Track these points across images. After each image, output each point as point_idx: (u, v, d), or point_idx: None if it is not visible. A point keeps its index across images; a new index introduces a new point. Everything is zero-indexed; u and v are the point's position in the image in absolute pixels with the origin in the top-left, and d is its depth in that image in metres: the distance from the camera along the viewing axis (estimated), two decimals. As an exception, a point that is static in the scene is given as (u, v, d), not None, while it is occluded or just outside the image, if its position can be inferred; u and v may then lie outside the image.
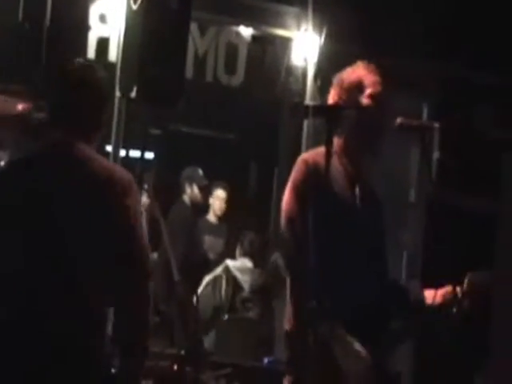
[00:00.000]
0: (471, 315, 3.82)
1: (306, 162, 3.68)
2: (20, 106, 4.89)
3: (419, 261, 6.93)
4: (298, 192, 3.66)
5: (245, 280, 6.93)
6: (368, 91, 3.74)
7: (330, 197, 3.57)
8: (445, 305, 3.80)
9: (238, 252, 7.13)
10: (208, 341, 6.55)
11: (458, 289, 3.77)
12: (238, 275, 6.93)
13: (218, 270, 6.95)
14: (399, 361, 3.93)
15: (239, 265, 6.98)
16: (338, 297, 3.49)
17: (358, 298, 3.63)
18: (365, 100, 3.74)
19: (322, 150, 3.58)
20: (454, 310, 3.77)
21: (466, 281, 3.77)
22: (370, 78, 3.76)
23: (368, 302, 3.67)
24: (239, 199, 6.96)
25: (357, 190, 3.78)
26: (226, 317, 6.96)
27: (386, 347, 3.73)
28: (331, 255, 3.55)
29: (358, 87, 3.74)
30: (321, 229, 3.48)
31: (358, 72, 3.78)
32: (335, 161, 3.67)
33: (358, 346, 3.58)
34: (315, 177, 3.59)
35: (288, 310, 3.70)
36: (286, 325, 3.70)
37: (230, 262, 6.92)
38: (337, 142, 3.71)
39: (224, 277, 6.88)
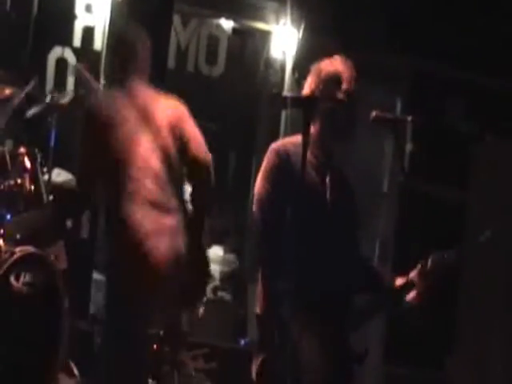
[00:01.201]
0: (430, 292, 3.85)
1: (276, 151, 3.71)
2: (7, 91, 4.83)
3: (391, 247, 6.97)
4: (269, 179, 3.68)
5: (215, 269, 6.95)
6: (344, 86, 3.74)
7: (299, 184, 3.48)
8: (408, 284, 3.81)
9: (210, 239, 7.13)
10: (184, 322, 6.52)
11: (420, 266, 3.77)
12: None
13: None
14: (370, 338, 3.92)
15: (210, 254, 7.00)
16: (305, 278, 3.43)
17: (325, 279, 3.63)
18: (341, 95, 3.74)
19: (292, 138, 3.69)
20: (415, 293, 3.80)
21: (429, 260, 3.77)
22: (347, 74, 3.76)
23: (335, 283, 3.67)
24: (217, 187, 6.97)
25: (327, 178, 3.78)
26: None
27: (350, 324, 3.73)
28: (300, 239, 3.48)
29: (335, 81, 3.74)
30: (290, 214, 3.50)
31: (336, 66, 3.78)
32: (310, 149, 3.61)
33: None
34: (285, 164, 3.63)
35: (258, 293, 3.71)
36: (257, 307, 3.71)
37: None
38: (312, 130, 3.67)
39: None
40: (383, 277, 3.91)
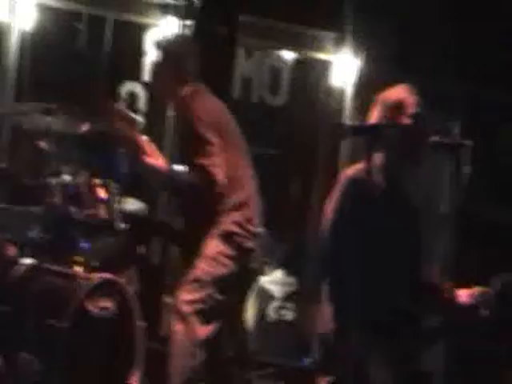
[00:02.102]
0: (504, 316, 3.80)
1: (349, 177, 3.74)
2: (82, 126, 4.89)
3: (450, 269, 6.88)
4: (339, 203, 3.70)
5: (277, 290, 6.96)
6: (409, 111, 3.76)
7: (371, 209, 3.60)
8: (475, 305, 3.80)
9: (271, 265, 7.14)
10: (250, 342, 6.53)
11: (491, 290, 3.72)
12: (270, 287, 6.98)
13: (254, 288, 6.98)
14: (432, 361, 3.88)
15: (271, 278, 7.04)
16: (371, 299, 3.46)
17: (391, 300, 3.64)
18: (406, 120, 3.75)
19: (363, 165, 3.64)
20: (485, 310, 3.75)
21: (497, 282, 3.72)
22: (409, 99, 3.79)
23: (401, 306, 3.67)
24: (281, 212, 6.97)
25: (394, 202, 3.79)
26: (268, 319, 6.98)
27: (416, 347, 3.71)
28: (368, 262, 3.48)
29: (399, 107, 3.77)
30: (360, 239, 3.48)
31: (399, 93, 3.81)
32: (376, 175, 3.70)
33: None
34: (357, 191, 3.64)
35: (322, 314, 3.70)
36: (320, 328, 3.71)
37: (262, 279, 6.98)
38: (378, 157, 3.72)
39: (253, 296, 6.91)
40: (446, 295, 3.86)
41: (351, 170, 3.79)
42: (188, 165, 4.58)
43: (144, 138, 4.61)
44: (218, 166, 4.52)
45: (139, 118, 4.65)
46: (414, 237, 3.85)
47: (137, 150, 4.55)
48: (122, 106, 4.64)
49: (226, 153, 4.60)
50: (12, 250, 4.90)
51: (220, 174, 4.52)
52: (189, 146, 4.60)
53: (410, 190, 3.92)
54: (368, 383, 3.47)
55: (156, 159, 4.61)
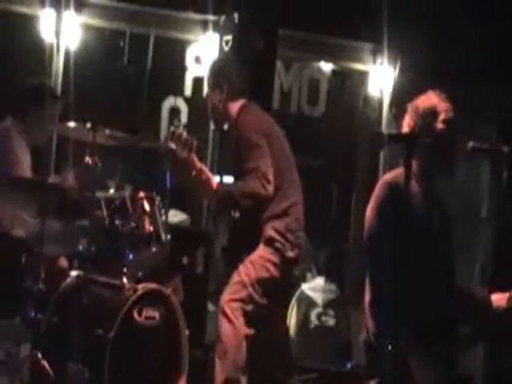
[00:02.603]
0: None
1: (388, 183, 3.68)
2: (126, 140, 4.91)
3: (490, 271, 6.81)
4: (381, 210, 3.63)
5: (317, 297, 6.92)
6: (441, 117, 3.71)
7: (409, 214, 3.54)
8: (509, 310, 3.69)
9: (313, 271, 7.13)
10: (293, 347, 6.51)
11: None
12: (312, 294, 6.94)
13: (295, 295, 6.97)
14: (471, 365, 3.82)
15: (313, 285, 7.02)
16: (415, 306, 3.46)
17: (432, 308, 3.58)
18: (439, 125, 3.71)
19: (401, 171, 3.59)
20: None
21: None
22: (442, 105, 3.73)
23: (441, 311, 3.61)
24: (321, 219, 6.96)
25: (433, 207, 3.75)
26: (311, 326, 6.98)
27: (457, 352, 3.66)
28: (409, 268, 3.49)
29: (432, 113, 3.71)
30: (400, 243, 3.46)
31: (431, 99, 3.75)
32: (413, 181, 3.65)
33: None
34: (396, 196, 3.58)
35: (366, 320, 3.66)
36: (364, 333, 3.68)
37: (304, 286, 6.97)
38: (414, 164, 3.66)
39: (295, 302, 6.85)
40: (484, 299, 3.79)
41: (389, 176, 3.75)
42: (240, 174, 4.62)
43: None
44: (268, 168, 4.55)
45: (195, 142, 4.62)
46: (447, 242, 3.79)
47: (189, 171, 4.57)
48: (181, 129, 4.61)
49: (272, 162, 4.62)
50: (64, 263, 4.95)
51: (271, 175, 4.55)
52: (239, 155, 4.64)
53: (444, 195, 3.87)
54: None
55: (208, 176, 4.63)
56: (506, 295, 3.70)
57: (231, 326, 4.55)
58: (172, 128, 4.60)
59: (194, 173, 4.59)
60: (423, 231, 3.66)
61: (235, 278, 4.64)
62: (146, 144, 5.26)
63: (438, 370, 3.52)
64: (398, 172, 3.66)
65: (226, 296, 4.61)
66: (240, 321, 4.57)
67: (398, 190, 3.58)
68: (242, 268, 4.63)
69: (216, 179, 4.76)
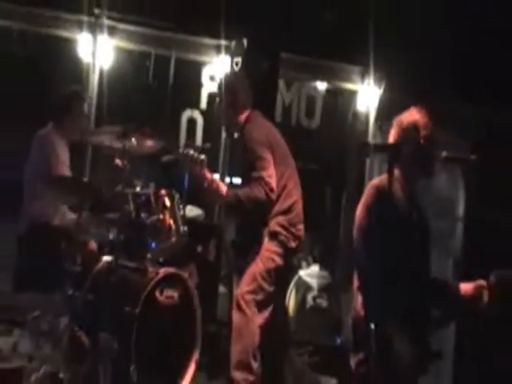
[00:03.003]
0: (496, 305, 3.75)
1: (376, 187, 3.69)
2: (154, 146, 4.95)
3: (462, 264, 6.81)
4: (369, 210, 3.65)
5: (313, 282, 6.95)
6: (422, 132, 3.72)
7: (393, 214, 3.56)
8: (475, 296, 3.72)
9: (309, 259, 7.15)
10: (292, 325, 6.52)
11: (486, 283, 3.70)
12: (308, 279, 6.96)
13: (294, 280, 6.97)
14: (443, 341, 3.84)
15: (309, 271, 7.03)
16: (396, 292, 3.48)
17: (412, 293, 3.60)
18: (420, 138, 3.72)
19: (385, 176, 3.58)
20: (484, 300, 3.71)
21: (492, 277, 3.68)
22: (423, 121, 3.74)
23: (419, 297, 3.64)
24: (317, 216, 6.99)
25: (413, 208, 3.77)
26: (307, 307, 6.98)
27: (429, 331, 3.68)
28: (392, 260, 3.52)
29: (414, 128, 3.73)
30: (385, 239, 3.50)
31: (414, 116, 3.76)
32: (397, 185, 3.68)
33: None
34: (382, 198, 3.61)
35: (354, 302, 3.69)
36: (352, 313, 3.71)
37: (301, 272, 6.96)
38: (397, 170, 3.70)
39: (294, 286, 6.88)
40: (454, 288, 3.83)
41: (377, 180, 3.75)
42: (246, 178, 4.64)
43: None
44: (271, 177, 4.57)
45: (204, 157, 4.67)
46: (424, 238, 3.81)
47: (202, 183, 4.64)
48: (191, 149, 4.69)
49: (276, 166, 4.64)
50: (94, 245, 4.97)
51: (274, 183, 4.57)
52: (247, 162, 4.65)
53: (423, 198, 3.88)
54: (393, 358, 3.46)
55: (218, 185, 4.68)
56: (473, 284, 3.72)
57: (245, 317, 4.52)
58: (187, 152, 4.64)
59: (206, 184, 4.64)
60: (405, 229, 3.66)
61: (247, 271, 4.63)
62: (168, 156, 5.31)
63: (414, 346, 3.54)
64: (384, 177, 3.60)
65: (240, 289, 4.60)
66: (253, 311, 4.55)
67: (384, 193, 3.56)
68: (252, 263, 4.63)
69: (225, 185, 4.76)
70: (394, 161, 3.32)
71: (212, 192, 4.66)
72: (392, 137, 3.76)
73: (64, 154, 5.17)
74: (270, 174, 4.58)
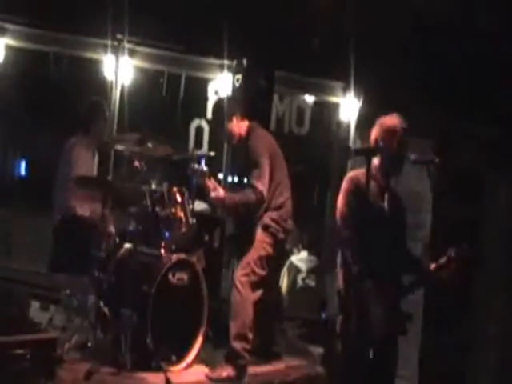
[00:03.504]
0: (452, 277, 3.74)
1: (351, 178, 3.69)
2: (166, 150, 4.91)
3: (431, 251, 6.78)
4: (347, 199, 3.63)
5: (302, 265, 6.92)
6: (398, 137, 3.69)
7: (367, 202, 3.53)
8: (438, 270, 3.70)
9: (299, 247, 7.14)
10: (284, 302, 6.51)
11: (445, 258, 3.67)
12: (298, 263, 6.93)
13: (286, 264, 6.95)
14: (413, 306, 3.81)
15: (299, 257, 7.02)
16: (372, 264, 3.48)
17: (386, 264, 3.60)
18: (395, 142, 3.69)
19: (361, 170, 3.63)
20: (443, 274, 3.70)
21: (450, 253, 3.66)
22: (400, 128, 3.71)
23: (393, 266, 3.63)
24: (305, 210, 6.98)
25: (385, 198, 3.75)
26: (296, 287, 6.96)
27: (401, 296, 3.65)
28: (368, 240, 3.52)
29: (392, 131, 3.69)
30: (361, 223, 3.50)
31: (394, 121, 3.73)
32: (372, 179, 3.63)
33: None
34: (358, 189, 3.60)
35: (339, 276, 3.68)
36: (338, 285, 3.69)
37: (292, 257, 6.95)
38: (373, 166, 3.69)
39: (286, 270, 6.85)
40: (423, 263, 3.82)
41: (352, 173, 3.74)
42: (247, 180, 4.65)
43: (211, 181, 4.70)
44: (264, 185, 4.57)
45: (207, 169, 4.71)
46: (398, 223, 3.80)
47: (208, 191, 4.67)
48: (197, 165, 4.76)
49: (275, 172, 4.64)
50: (112, 229, 4.90)
51: (265, 191, 4.57)
52: (249, 168, 4.64)
53: (398, 191, 3.85)
54: (369, 318, 3.44)
55: (218, 191, 4.67)
56: (437, 262, 3.68)
57: (241, 296, 4.52)
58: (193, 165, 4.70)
59: (207, 191, 4.69)
60: (377, 214, 3.64)
61: (244, 258, 4.63)
62: (178, 156, 5.29)
63: (387, 308, 3.51)
64: (358, 170, 3.67)
65: (237, 273, 4.60)
66: (247, 290, 4.53)
67: (358, 182, 3.59)
68: (248, 252, 4.63)
69: (224, 189, 4.77)
70: (370, 161, 3.34)
71: (212, 197, 4.69)
72: (373, 135, 3.73)
73: (89, 158, 5.14)
74: (264, 183, 4.58)
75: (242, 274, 4.58)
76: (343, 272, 3.64)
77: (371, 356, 3.34)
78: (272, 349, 5.02)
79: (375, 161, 3.70)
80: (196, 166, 4.71)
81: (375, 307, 3.47)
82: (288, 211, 4.78)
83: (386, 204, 3.74)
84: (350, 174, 3.74)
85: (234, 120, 4.75)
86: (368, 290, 3.44)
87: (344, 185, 3.69)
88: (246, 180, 4.76)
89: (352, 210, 3.57)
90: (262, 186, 4.57)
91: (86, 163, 5.10)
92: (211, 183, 4.69)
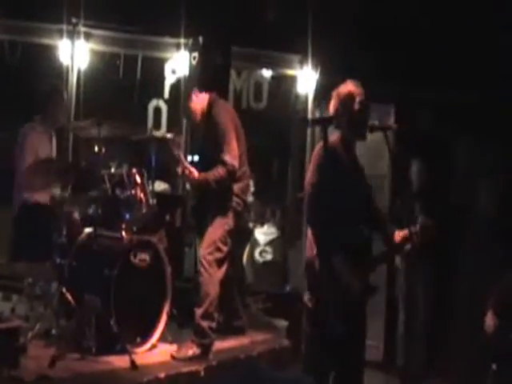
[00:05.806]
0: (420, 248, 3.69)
1: (324, 150, 3.52)
2: (125, 133, 4.78)
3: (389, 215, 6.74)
4: (319, 167, 3.54)
5: (260, 238, 6.86)
6: (357, 100, 3.62)
7: (339, 169, 3.50)
8: (404, 242, 3.66)
9: (261, 220, 7.08)
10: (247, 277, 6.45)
11: (413, 229, 3.62)
12: (257, 236, 6.87)
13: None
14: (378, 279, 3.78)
15: (260, 230, 7.01)
16: (344, 234, 3.41)
17: (356, 234, 3.54)
18: (356, 106, 3.62)
19: (333, 139, 3.57)
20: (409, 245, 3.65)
21: (418, 223, 3.61)
22: (357, 91, 3.65)
23: (362, 237, 3.57)
24: (266, 184, 6.91)
25: (353, 163, 3.69)
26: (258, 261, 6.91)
27: (370, 267, 3.60)
28: (340, 206, 3.45)
29: (350, 97, 3.62)
30: (334, 189, 3.43)
31: (349, 87, 3.67)
32: (340, 147, 3.60)
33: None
34: (330, 156, 3.48)
35: (309, 245, 3.58)
36: (306, 257, 3.61)
37: (255, 231, 6.90)
38: (338, 134, 3.63)
39: (249, 244, 6.81)
40: (389, 238, 3.72)
41: (321, 145, 3.58)
42: (215, 159, 4.47)
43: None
44: (235, 158, 4.45)
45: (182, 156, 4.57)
46: (365, 189, 3.74)
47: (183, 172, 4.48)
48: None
49: (237, 141, 4.53)
50: (76, 215, 4.81)
51: (236, 163, 4.46)
52: (215, 143, 4.50)
53: (358, 156, 3.78)
54: (343, 290, 3.40)
55: (190, 171, 4.50)
56: (402, 232, 3.65)
57: (209, 275, 4.42)
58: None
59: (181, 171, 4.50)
60: (349, 180, 3.59)
61: (206, 236, 4.51)
62: (136, 136, 5.17)
63: (357, 279, 3.47)
64: (331, 140, 3.54)
65: (202, 251, 4.49)
66: (214, 269, 4.44)
67: (332, 152, 3.49)
68: (210, 228, 4.52)
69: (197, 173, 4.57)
70: (326, 130, 3.27)
71: (186, 177, 4.54)
72: (332, 107, 3.67)
73: (43, 143, 4.98)
74: (233, 155, 4.47)
75: (208, 252, 4.48)
76: (315, 242, 3.52)
77: (342, 330, 3.28)
78: (236, 324, 4.96)
79: (336, 133, 3.61)
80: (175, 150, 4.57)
81: (349, 279, 3.41)
82: (247, 184, 4.71)
83: (358, 171, 3.69)
84: (321, 144, 3.60)
85: (194, 97, 4.62)
86: (340, 262, 3.37)
87: (316, 153, 3.60)
88: (208, 157, 4.61)
89: (325, 178, 3.48)
90: (232, 158, 4.46)
91: (44, 149, 4.98)
92: (184, 161, 4.55)
